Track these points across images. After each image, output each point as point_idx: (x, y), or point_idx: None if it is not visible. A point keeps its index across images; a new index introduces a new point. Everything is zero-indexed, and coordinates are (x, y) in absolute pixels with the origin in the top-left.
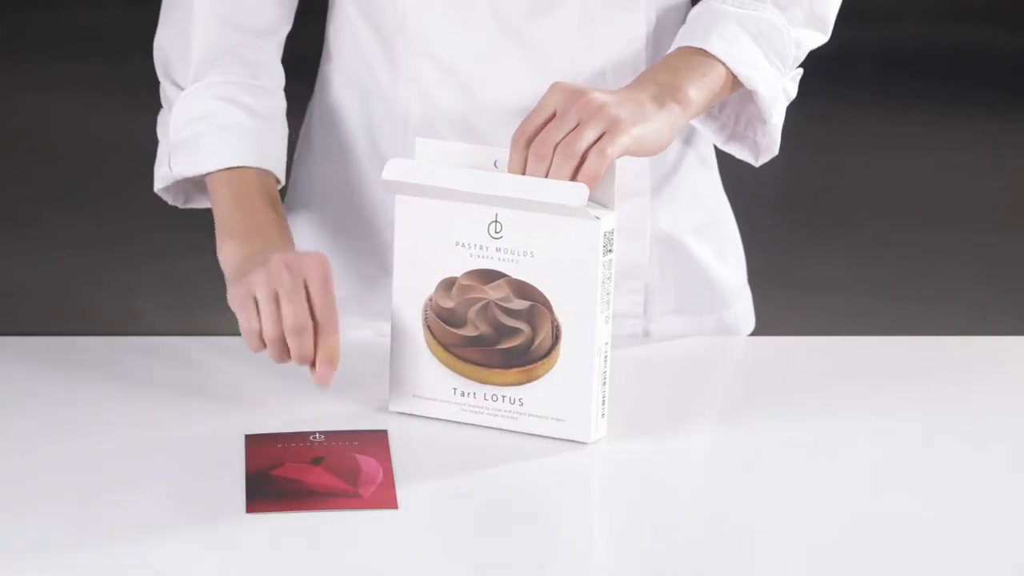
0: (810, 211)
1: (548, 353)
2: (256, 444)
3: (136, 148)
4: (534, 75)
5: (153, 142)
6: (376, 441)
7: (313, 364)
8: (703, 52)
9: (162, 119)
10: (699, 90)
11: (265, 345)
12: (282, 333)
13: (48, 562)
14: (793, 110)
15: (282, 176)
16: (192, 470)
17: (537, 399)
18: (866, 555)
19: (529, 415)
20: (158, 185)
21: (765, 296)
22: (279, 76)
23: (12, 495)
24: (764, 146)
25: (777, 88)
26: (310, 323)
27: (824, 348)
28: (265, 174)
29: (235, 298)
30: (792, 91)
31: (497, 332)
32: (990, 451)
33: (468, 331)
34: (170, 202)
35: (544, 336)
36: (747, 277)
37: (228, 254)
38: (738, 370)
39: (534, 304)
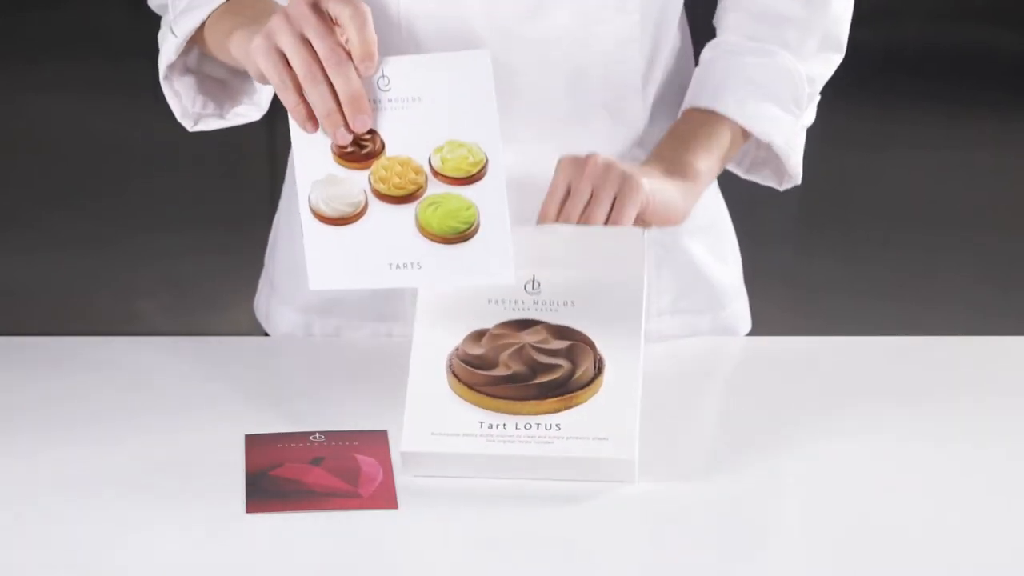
0: (810, 210)
1: (590, 382)
2: (256, 444)
3: (136, 148)
4: (529, 74)
5: (153, 142)
6: (376, 441)
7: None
8: (712, 113)
9: (162, 40)
10: (707, 159)
11: (305, 102)
12: (322, 73)
13: (48, 562)
14: None
15: None
16: (192, 470)
17: (575, 423)
18: (865, 554)
19: (568, 438)
20: (163, 67)
21: (764, 296)
22: None
23: (12, 495)
24: (787, 174)
25: (793, 132)
26: (346, 56)
27: (823, 348)
28: None
29: (257, 51)
30: (809, 120)
31: (532, 370)
32: (990, 451)
33: (500, 371)
34: (189, 125)
35: (586, 368)
36: (746, 277)
37: (237, 40)
38: (736, 370)
39: (574, 343)
